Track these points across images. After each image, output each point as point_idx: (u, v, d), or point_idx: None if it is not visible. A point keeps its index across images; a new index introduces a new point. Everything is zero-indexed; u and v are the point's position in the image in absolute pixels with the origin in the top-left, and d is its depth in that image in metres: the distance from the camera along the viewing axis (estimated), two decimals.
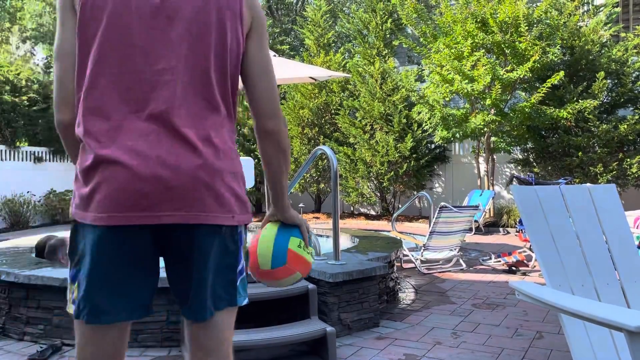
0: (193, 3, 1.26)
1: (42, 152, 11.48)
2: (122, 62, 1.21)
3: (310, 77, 7.36)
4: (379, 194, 11.79)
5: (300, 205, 12.77)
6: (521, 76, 8.95)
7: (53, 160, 11.73)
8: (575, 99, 9.15)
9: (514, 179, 8.13)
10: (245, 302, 1.36)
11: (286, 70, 6.88)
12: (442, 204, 5.57)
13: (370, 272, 3.56)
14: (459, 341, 3.31)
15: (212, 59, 1.27)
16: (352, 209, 13.04)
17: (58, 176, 11.58)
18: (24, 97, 10.99)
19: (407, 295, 4.62)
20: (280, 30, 15.81)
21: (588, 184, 2.51)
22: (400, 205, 11.65)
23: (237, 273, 1.32)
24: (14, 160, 10.93)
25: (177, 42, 1.24)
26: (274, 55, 7.54)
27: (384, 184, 11.24)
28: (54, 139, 11.53)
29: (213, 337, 1.31)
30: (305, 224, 1.52)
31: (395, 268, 4.66)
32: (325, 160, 11.96)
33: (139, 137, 1.19)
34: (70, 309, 1.26)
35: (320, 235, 5.50)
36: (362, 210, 13.04)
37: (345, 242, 5.43)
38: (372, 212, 12.72)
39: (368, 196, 11.65)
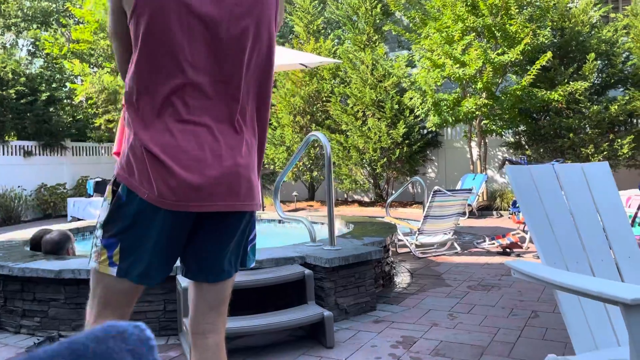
0: None
1: (31, 146, 11.37)
2: None
3: (301, 64, 7.31)
4: (372, 181, 11.79)
5: (294, 193, 12.77)
6: (512, 59, 8.94)
7: (42, 154, 11.62)
8: (566, 80, 9.17)
9: (506, 162, 8.16)
10: (253, 264, 1.63)
11: (276, 58, 6.82)
12: (436, 187, 5.58)
13: (366, 257, 3.57)
14: (456, 322, 3.34)
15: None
16: (345, 196, 13.05)
17: (47, 170, 11.50)
18: (12, 91, 10.85)
19: (402, 279, 4.65)
20: None
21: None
22: (393, 192, 11.66)
23: (249, 241, 1.57)
24: (3, 155, 10.82)
25: None
26: None
27: (377, 171, 11.24)
28: (42, 132, 11.42)
29: (220, 295, 1.54)
30: None
31: (390, 252, 4.68)
32: (318, 148, 11.95)
33: None
34: (105, 268, 1.41)
35: (315, 223, 5.50)
36: (355, 197, 13.05)
37: (340, 228, 5.44)
38: (366, 199, 12.74)
39: (361, 183, 11.66)
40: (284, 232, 5.70)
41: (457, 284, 4.38)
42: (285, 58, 7.03)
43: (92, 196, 10.37)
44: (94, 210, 9.59)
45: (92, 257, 1.45)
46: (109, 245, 1.42)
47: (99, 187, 10.56)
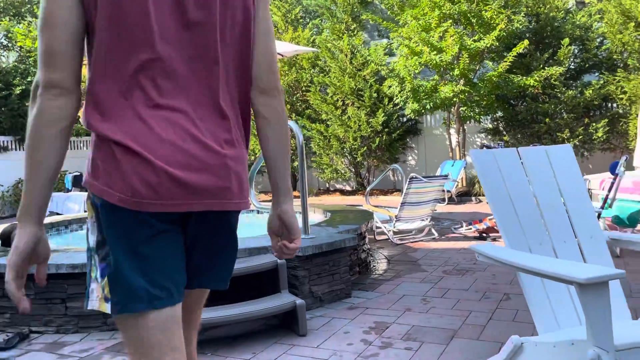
0: None
1: (7, 142, 11.17)
2: None
3: (278, 54, 7.26)
4: (353, 170, 11.82)
5: None
6: (488, 45, 8.99)
7: (19, 149, 11.43)
8: (541, 66, 9.25)
9: (484, 148, 8.23)
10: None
11: None
12: (412, 174, 5.61)
13: (340, 244, 3.58)
14: (429, 307, 3.37)
15: None
16: (327, 185, 13.07)
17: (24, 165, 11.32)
18: None
19: (379, 265, 4.68)
20: None
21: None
22: (374, 180, 11.71)
23: None
24: None
25: None
26: None
27: (358, 159, 11.26)
28: (18, 127, 11.22)
29: (199, 299, 1.38)
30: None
31: (367, 240, 4.70)
32: None
33: None
34: (102, 304, 1.15)
35: (298, 212, 5.50)
36: (337, 186, 13.07)
37: (318, 216, 5.45)
38: (348, 188, 12.77)
39: (342, 172, 11.67)
40: (259, 222, 5.69)
41: (432, 269, 4.42)
42: None
43: (70, 190, 10.25)
44: (72, 204, 9.48)
45: (90, 293, 1.18)
46: (103, 272, 1.16)
47: (77, 182, 10.44)
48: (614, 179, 4.64)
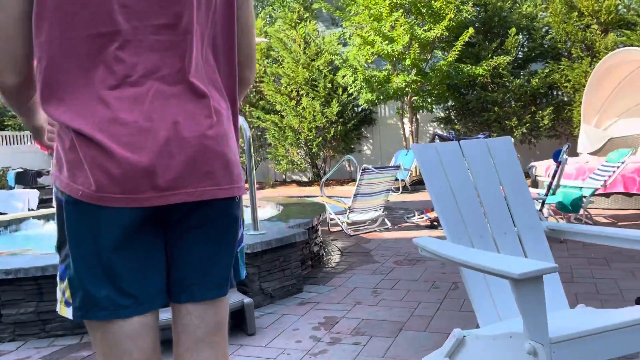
0: None
1: None
2: None
3: None
4: (309, 160, 11.79)
5: None
6: (438, 35, 9.09)
7: None
8: (490, 55, 9.44)
9: (436, 136, 8.35)
10: (245, 273, 1.33)
11: None
12: (364, 166, 5.62)
13: (290, 240, 3.54)
14: (379, 299, 3.39)
15: None
16: (284, 176, 13.00)
17: None
18: None
19: (332, 258, 4.67)
20: None
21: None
22: (330, 170, 11.72)
23: (238, 243, 1.33)
24: None
25: None
26: None
27: (314, 150, 11.24)
28: None
29: (210, 319, 1.18)
30: None
31: (319, 233, 4.68)
32: (253, 130, 11.79)
33: None
34: (62, 309, 1.08)
35: (246, 206, 5.42)
36: (294, 177, 13.03)
37: (270, 210, 5.39)
38: (305, 179, 12.74)
39: (298, 163, 11.63)
40: None
41: (384, 260, 4.44)
42: None
43: (13, 188, 9.82)
44: (17, 202, 9.07)
45: (58, 296, 1.10)
46: (63, 275, 1.06)
47: (21, 178, 10.01)
48: (557, 166, 4.78)
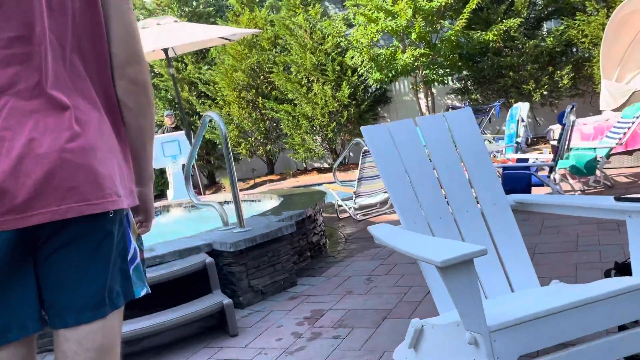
0: None
1: None
2: None
3: (222, 38, 7.06)
4: (327, 146, 11.66)
5: (252, 169, 12.60)
6: (443, 4, 8.76)
7: None
8: (500, 19, 9.04)
9: (450, 109, 8.09)
10: (144, 291, 1.20)
11: (193, 35, 6.57)
12: (364, 149, 5.47)
13: (276, 234, 3.46)
14: (370, 287, 3.28)
15: None
16: (304, 165, 12.93)
17: None
18: None
19: (337, 246, 4.58)
20: None
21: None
22: (352, 154, 11.57)
23: (129, 262, 1.26)
24: None
25: None
26: (175, 21, 7.19)
27: (329, 136, 11.10)
28: None
29: (87, 346, 1.10)
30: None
31: (319, 222, 4.59)
32: (268, 122, 11.76)
33: None
34: None
35: (227, 202, 5.40)
36: (315, 165, 12.94)
37: (273, 203, 5.33)
38: (325, 165, 12.63)
39: (316, 150, 11.52)
40: (209, 215, 5.55)
41: None
42: (202, 34, 6.77)
43: None
44: None
45: None
46: None
47: None
48: (562, 130, 4.51)
